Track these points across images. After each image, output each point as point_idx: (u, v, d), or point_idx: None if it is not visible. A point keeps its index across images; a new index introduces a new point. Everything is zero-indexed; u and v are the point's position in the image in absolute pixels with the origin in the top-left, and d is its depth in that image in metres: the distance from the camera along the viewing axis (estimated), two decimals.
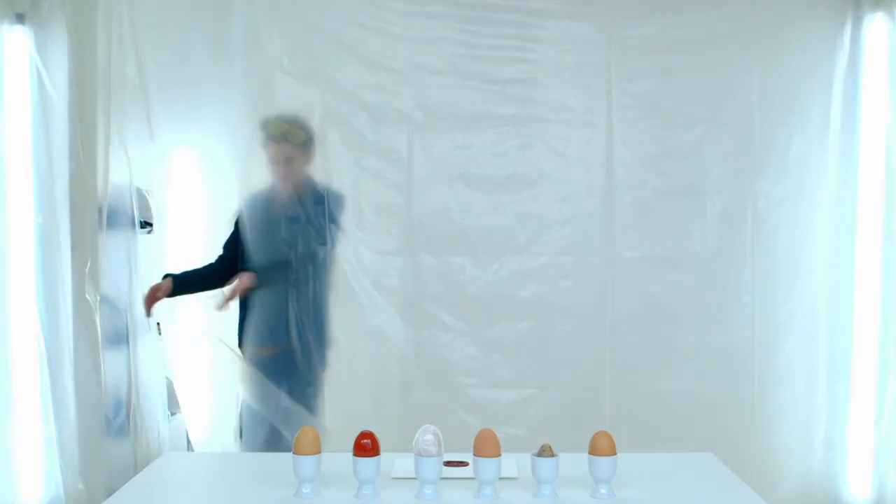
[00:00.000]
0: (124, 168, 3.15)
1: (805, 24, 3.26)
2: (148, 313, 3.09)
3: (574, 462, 1.80)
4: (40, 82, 3.00)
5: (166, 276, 3.14)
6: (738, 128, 3.29)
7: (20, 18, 3.01)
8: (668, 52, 3.28)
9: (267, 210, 3.14)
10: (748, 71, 3.27)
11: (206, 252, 3.25)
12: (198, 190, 3.27)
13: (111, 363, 3.13)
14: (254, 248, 3.11)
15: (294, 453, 1.76)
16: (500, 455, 1.74)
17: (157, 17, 3.18)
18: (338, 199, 3.21)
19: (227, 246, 3.20)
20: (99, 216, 3.09)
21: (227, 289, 3.10)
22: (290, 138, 3.09)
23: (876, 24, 3.19)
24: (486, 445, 1.73)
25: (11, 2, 2.98)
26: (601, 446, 1.74)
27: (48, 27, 3.00)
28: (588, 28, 3.28)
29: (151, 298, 3.09)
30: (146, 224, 3.21)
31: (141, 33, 3.15)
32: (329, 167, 3.27)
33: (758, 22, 3.25)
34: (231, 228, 3.20)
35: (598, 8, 3.28)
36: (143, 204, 3.19)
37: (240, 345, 3.14)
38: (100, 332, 3.11)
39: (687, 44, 3.28)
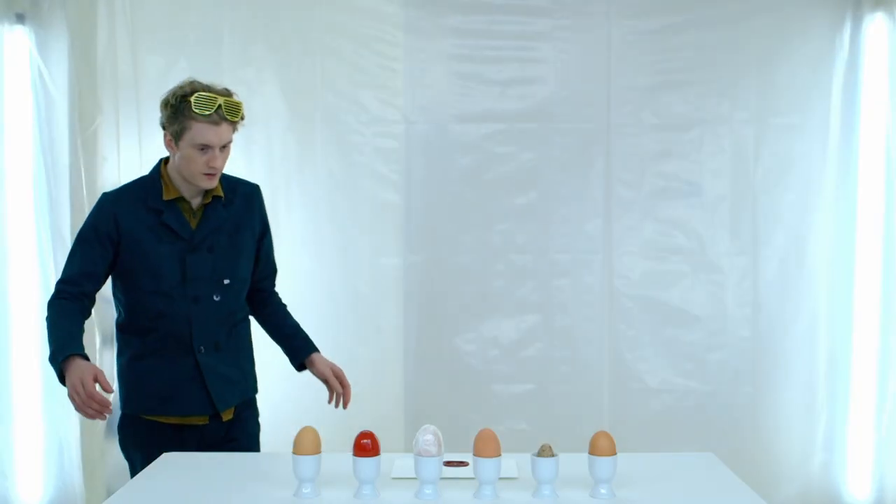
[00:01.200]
0: (125, 167, 3.15)
1: (805, 24, 3.26)
2: (108, 411, 2.13)
3: (574, 462, 1.80)
4: (41, 82, 3.00)
5: (68, 356, 2.15)
6: (737, 127, 3.30)
7: (20, 18, 3.01)
8: (668, 51, 3.29)
9: (178, 221, 2.30)
10: (748, 71, 3.27)
11: None
12: None
13: (112, 363, 3.13)
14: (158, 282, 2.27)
15: (294, 453, 1.75)
16: (500, 455, 1.74)
17: (157, 17, 3.18)
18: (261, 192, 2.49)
19: (90, 273, 2.32)
20: None
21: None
22: (230, 115, 2.28)
23: (876, 24, 3.19)
24: (486, 445, 1.73)
25: (11, 2, 2.99)
26: (601, 446, 1.73)
27: (48, 27, 3.00)
28: (588, 27, 3.29)
29: (97, 398, 2.11)
30: None
31: (140, 33, 3.16)
32: (326, 167, 3.28)
33: (758, 22, 3.26)
34: (89, 243, 2.33)
35: (599, 7, 3.28)
36: None
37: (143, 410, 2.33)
38: (100, 332, 3.12)
39: (687, 43, 3.28)
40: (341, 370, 2.45)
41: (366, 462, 1.73)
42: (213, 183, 2.32)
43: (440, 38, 3.27)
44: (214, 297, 2.33)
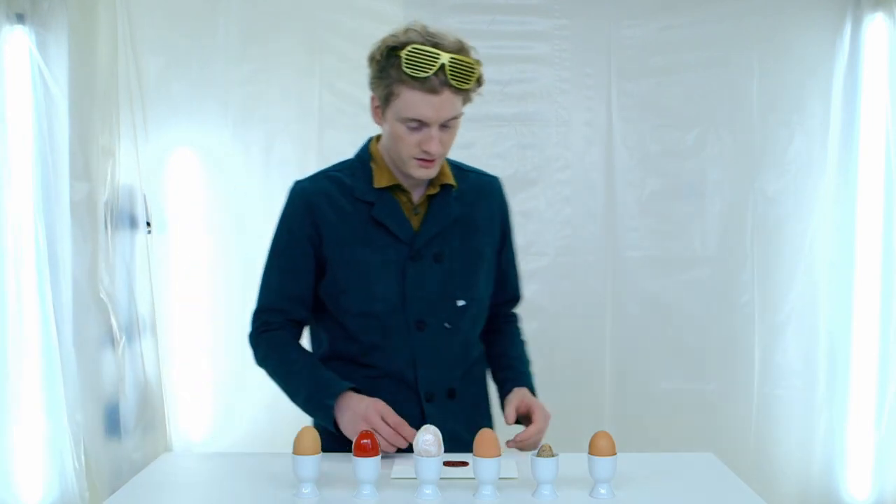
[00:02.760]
0: (125, 168, 3.16)
1: (805, 24, 3.26)
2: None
3: (574, 462, 1.80)
4: (42, 82, 2.99)
5: (340, 394, 1.79)
6: (738, 128, 3.30)
7: (20, 18, 3.00)
8: (668, 52, 3.29)
9: (395, 218, 1.78)
10: (748, 71, 3.27)
11: (208, 252, 3.24)
12: (198, 190, 3.27)
13: (112, 363, 3.13)
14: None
15: (294, 453, 1.75)
16: (500, 455, 1.73)
17: (158, 17, 3.19)
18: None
19: (294, 294, 1.87)
20: (101, 216, 3.10)
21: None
22: (456, 80, 1.69)
23: (876, 24, 3.19)
24: (486, 445, 1.72)
25: (11, 2, 2.98)
26: (601, 446, 1.73)
27: (48, 27, 2.99)
28: (588, 27, 3.29)
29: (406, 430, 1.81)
30: (146, 224, 3.20)
31: (141, 33, 3.16)
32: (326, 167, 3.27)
33: (757, 22, 3.26)
34: (285, 255, 1.88)
35: (598, 8, 3.28)
36: (144, 204, 3.19)
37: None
38: (100, 332, 3.12)
39: (687, 44, 3.28)
40: (537, 406, 1.83)
41: (366, 462, 1.73)
42: (429, 173, 1.76)
43: None
44: (445, 325, 1.80)
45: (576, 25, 3.28)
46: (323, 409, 1.77)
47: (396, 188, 1.80)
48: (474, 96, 1.79)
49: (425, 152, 1.71)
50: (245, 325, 3.22)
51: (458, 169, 1.92)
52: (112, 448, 3.13)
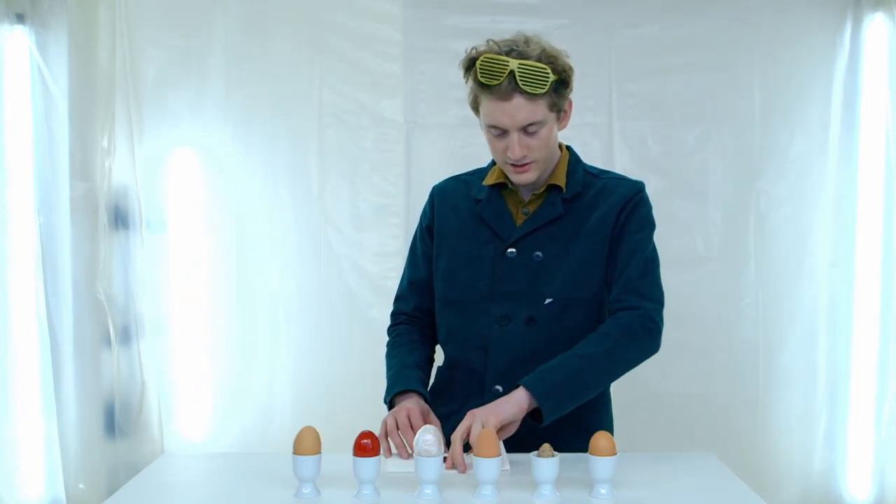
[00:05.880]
0: (124, 168, 3.15)
1: (805, 24, 3.26)
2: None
3: (574, 462, 1.80)
4: (42, 82, 2.99)
5: (399, 392, 1.90)
6: (739, 128, 3.29)
7: (20, 18, 3.00)
8: (668, 52, 3.28)
9: (497, 213, 1.86)
10: (749, 71, 3.27)
11: (208, 252, 3.24)
12: (198, 190, 3.27)
13: (110, 363, 3.13)
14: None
15: (294, 453, 1.75)
16: (500, 455, 1.73)
17: (158, 17, 3.19)
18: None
19: (418, 281, 1.97)
20: (101, 216, 3.09)
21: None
22: (528, 85, 1.69)
23: (876, 24, 3.19)
24: (486, 445, 1.72)
25: (11, 2, 2.98)
26: (601, 446, 1.73)
27: (48, 27, 3.00)
28: (588, 28, 3.28)
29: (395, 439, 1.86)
30: (146, 224, 3.20)
31: (141, 33, 3.16)
32: (325, 167, 3.27)
33: (758, 22, 3.26)
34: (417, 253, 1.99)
35: (598, 8, 3.28)
36: (143, 204, 3.19)
37: None
38: (99, 332, 3.11)
39: (687, 44, 3.28)
40: (480, 432, 1.69)
41: (366, 462, 1.73)
42: (525, 178, 1.78)
43: (440, 38, 3.27)
44: (527, 322, 1.81)
45: (576, 25, 3.27)
46: (387, 405, 1.89)
47: (507, 187, 1.86)
48: (564, 103, 1.78)
49: (510, 157, 1.76)
50: (244, 326, 3.26)
51: (590, 174, 1.90)
52: (111, 448, 3.13)
